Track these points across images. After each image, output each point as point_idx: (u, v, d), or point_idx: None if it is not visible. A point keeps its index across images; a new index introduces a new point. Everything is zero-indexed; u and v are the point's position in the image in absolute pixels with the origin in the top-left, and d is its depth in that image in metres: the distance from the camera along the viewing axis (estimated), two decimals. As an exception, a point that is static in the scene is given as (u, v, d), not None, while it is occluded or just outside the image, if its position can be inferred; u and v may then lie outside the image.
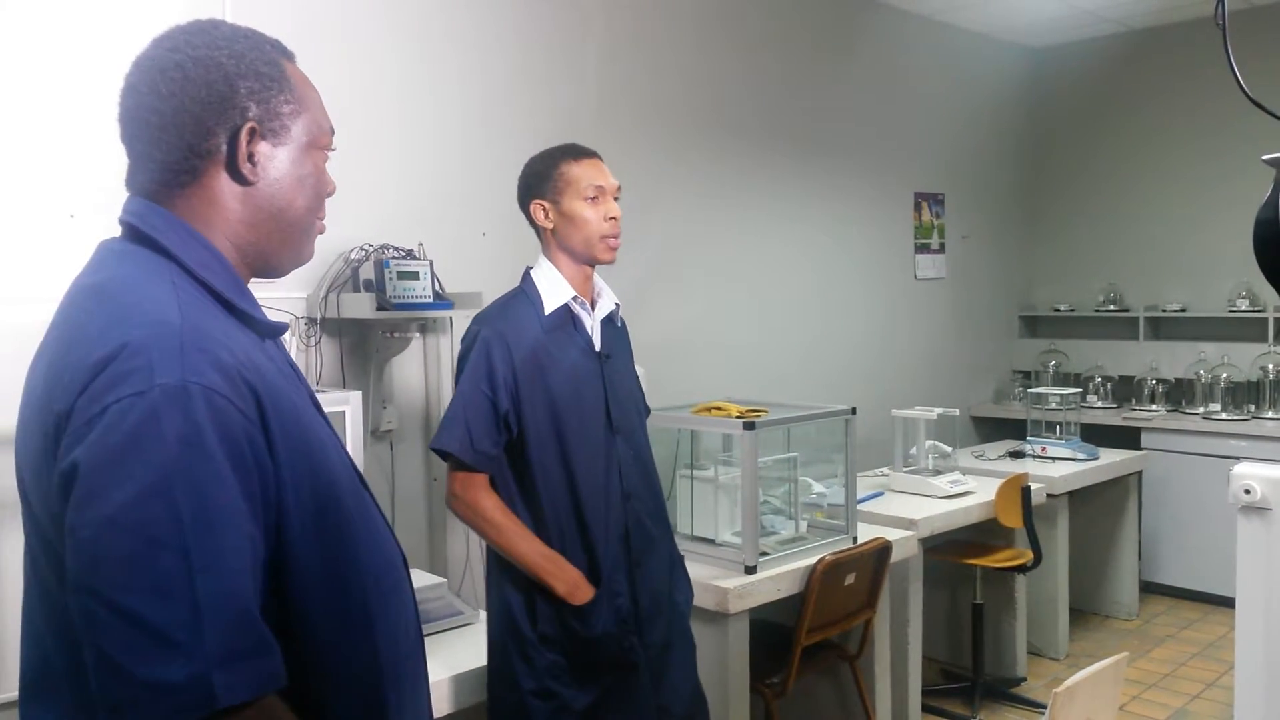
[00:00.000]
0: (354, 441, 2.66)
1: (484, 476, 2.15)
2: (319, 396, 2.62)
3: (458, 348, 2.30)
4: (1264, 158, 1.12)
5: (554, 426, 2.14)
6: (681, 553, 2.42)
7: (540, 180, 2.21)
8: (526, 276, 2.26)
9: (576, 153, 2.22)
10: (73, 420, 0.97)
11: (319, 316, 3.01)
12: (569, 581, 2.11)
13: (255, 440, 1.02)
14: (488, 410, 2.11)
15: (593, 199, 2.18)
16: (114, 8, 2.63)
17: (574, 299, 2.21)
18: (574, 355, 2.19)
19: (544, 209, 2.20)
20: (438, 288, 3.03)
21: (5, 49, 2.49)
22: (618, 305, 2.32)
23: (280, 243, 1.19)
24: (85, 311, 1.06)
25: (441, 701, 2.19)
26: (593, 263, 2.23)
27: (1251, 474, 1.05)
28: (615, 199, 2.22)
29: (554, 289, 2.21)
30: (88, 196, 2.52)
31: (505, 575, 2.17)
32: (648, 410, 2.45)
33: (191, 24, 1.16)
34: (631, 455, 2.23)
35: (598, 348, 2.23)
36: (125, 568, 0.92)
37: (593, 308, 2.25)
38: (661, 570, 2.27)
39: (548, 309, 2.19)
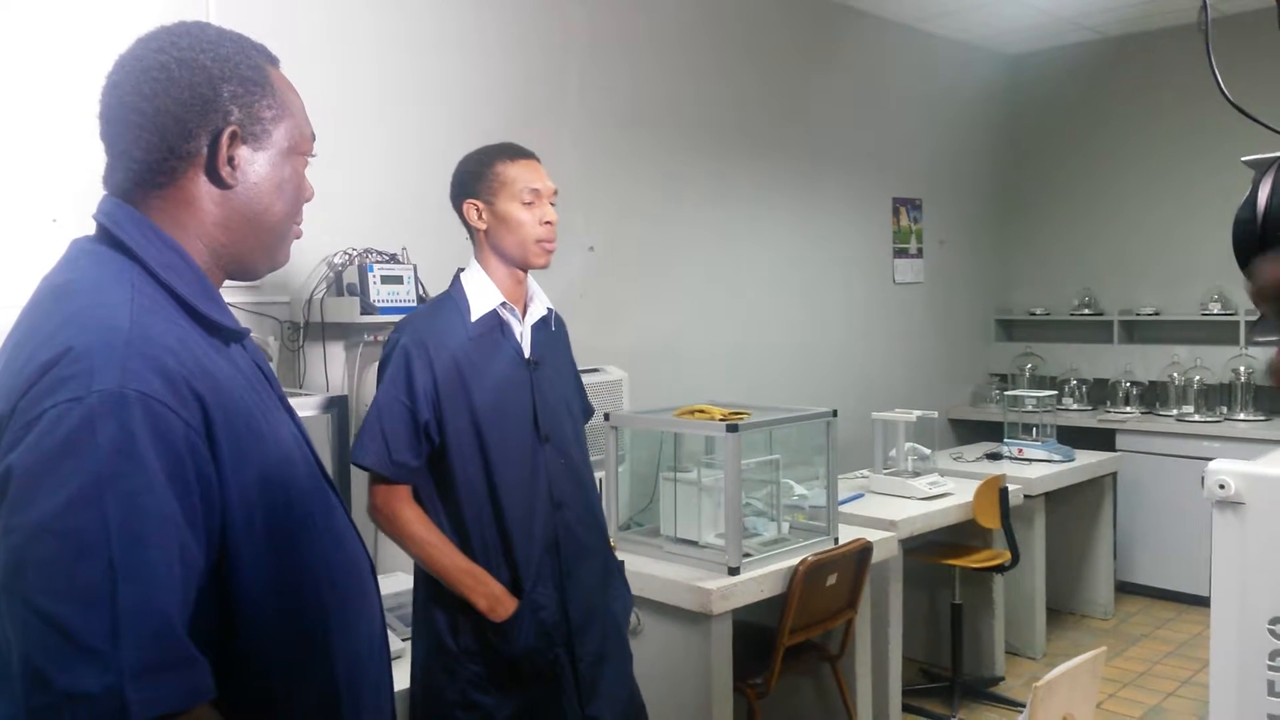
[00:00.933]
0: (336, 446, 2.66)
1: (405, 488, 2.08)
2: (299, 400, 2.62)
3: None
4: (1244, 159, 1.14)
5: (476, 436, 2.07)
6: (621, 559, 2.36)
7: (474, 179, 2.14)
8: (455, 281, 2.19)
9: (513, 153, 2.15)
10: (12, 423, 0.96)
11: (303, 320, 3.01)
12: (490, 596, 2.04)
13: (198, 449, 1.00)
14: (406, 421, 2.05)
15: (528, 202, 2.11)
16: (98, 10, 2.63)
17: (502, 305, 2.14)
18: (499, 364, 2.12)
19: (477, 209, 2.13)
20: (421, 291, 3.04)
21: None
22: (551, 309, 2.25)
23: (255, 247, 1.18)
24: (43, 312, 1.05)
25: (405, 710, 2.14)
26: (525, 267, 2.16)
27: (1226, 469, 1.08)
28: (551, 203, 2.15)
29: (482, 294, 2.13)
30: (70, 201, 2.51)
31: (432, 590, 2.10)
32: (591, 411, 2.40)
33: (178, 25, 1.15)
34: (562, 464, 2.16)
35: (527, 354, 2.16)
36: (51, 574, 0.91)
37: (524, 313, 2.19)
38: (594, 580, 2.20)
39: (474, 315, 2.11)
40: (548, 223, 2.13)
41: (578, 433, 2.27)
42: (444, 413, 2.06)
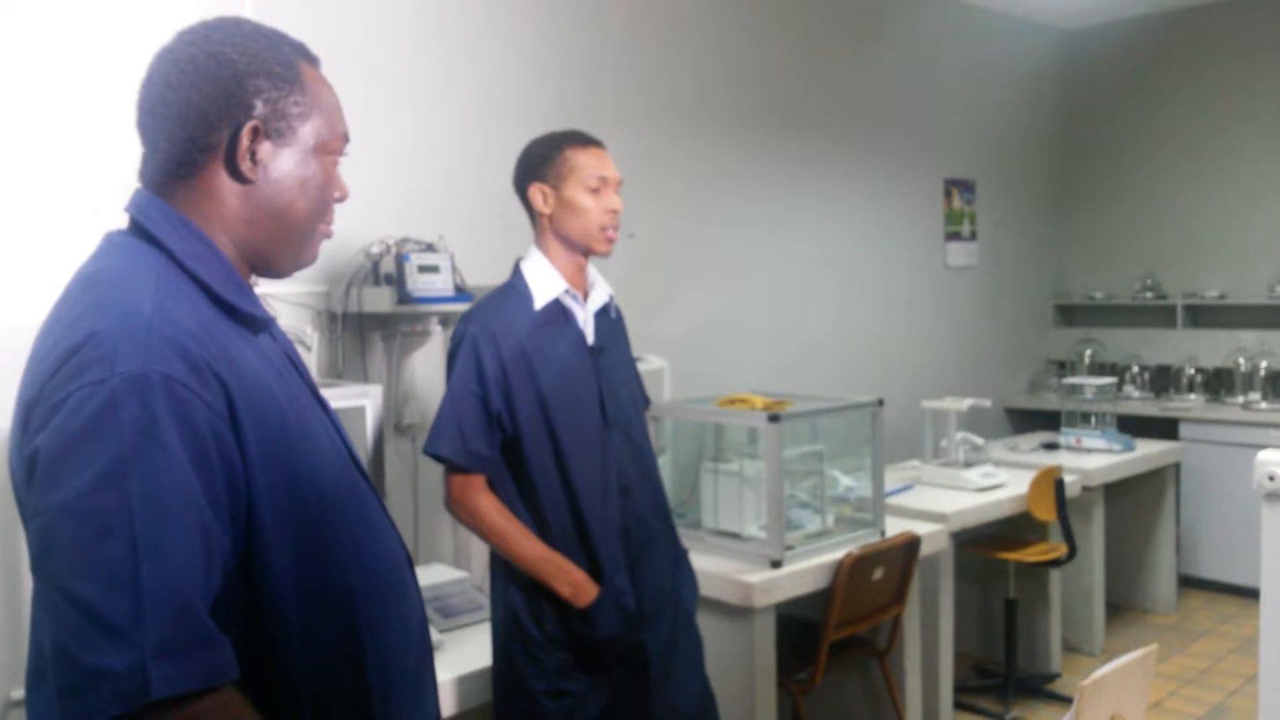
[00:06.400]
0: (373, 436, 2.66)
1: (481, 478, 2.10)
2: (336, 391, 2.61)
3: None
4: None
5: (546, 424, 2.09)
6: (687, 546, 2.36)
7: (543, 163, 2.15)
8: (517, 270, 2.20)
9: (583, 140, 2.17)
10: (39, 407, 0.99)
11: (340, 311, 3.00)
12: (573, 583, 2.06)
13: (221, 432, 1.01)
14: (479, 410, 2.07)
15: (595, 189, 2.12)
16: (143, 6, 2.63)
17: (566, 292, 2.16)
18: (564, 350, 2.14)
19: (543, 193, 2.14)
20: (459, 281, 3.02)
21: (32, 46, 2.50)
22: (612, 296, 2.26)
23: (278, 243, 1.19)
24: (70, 301, 1.07)
25: (447, 702, 2.15)
26: (588, 253, 2.18)
27: (1276, 460, 1.00)
28: (616, 192, 2.16)
29: (545, 282, 2.15)
30: (111, 193, 2.53)
31: (509, 577, 2.12)
32: (647, 401, 2.41)
33: (216, 19, 1.17)
34: (629, 450, 2.18)
35: (590, 341, 2.18)
36: (76, 554, 0.93)
37: (585, 299, 2.20)
38: (664, 567, 2.22)
39: (538, 303, 2.14)
40: (613, 211, 2.14)
41: (641, 419, 2.29)
42: (514, 401, 2.08)
